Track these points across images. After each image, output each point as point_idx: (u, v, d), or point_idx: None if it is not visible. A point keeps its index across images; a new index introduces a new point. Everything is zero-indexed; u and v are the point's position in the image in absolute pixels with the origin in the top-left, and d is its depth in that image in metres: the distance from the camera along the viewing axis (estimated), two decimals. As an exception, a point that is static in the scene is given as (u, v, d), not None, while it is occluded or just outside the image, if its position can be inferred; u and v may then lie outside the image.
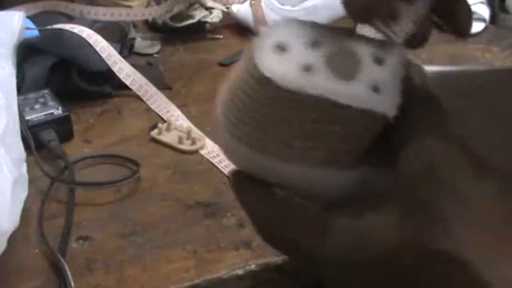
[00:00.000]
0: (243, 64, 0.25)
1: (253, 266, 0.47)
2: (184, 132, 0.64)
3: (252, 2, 0.96)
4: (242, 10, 0.97)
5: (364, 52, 0.25)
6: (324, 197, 0.27)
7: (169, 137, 0.63)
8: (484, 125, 0.28)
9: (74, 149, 0.61)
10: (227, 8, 0.98)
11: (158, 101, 0.71)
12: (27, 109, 0.62)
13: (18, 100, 0.58)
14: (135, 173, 0.56)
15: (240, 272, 0.47)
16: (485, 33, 0.99)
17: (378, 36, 0.26)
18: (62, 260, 0.45)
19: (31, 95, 0.64)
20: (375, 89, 0.24)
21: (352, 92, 0.24)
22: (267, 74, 0.24)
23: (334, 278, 0.27)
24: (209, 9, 0.94)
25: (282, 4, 0.95)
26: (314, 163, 0.25)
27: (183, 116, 0.68)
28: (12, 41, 0.65)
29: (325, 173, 0.26)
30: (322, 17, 0.94)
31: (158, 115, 0.69)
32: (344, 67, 0.24)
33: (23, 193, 0.49)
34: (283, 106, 0.24)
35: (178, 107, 0.70)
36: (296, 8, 0.94)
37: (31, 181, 0.52)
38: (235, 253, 0.48)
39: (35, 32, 0.73)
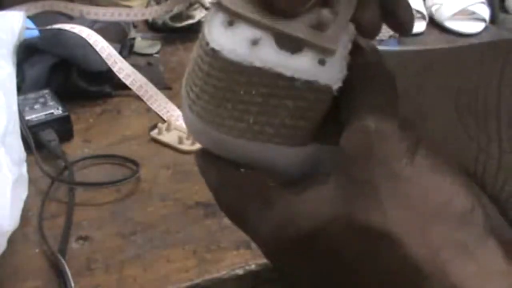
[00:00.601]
0: (198, 40, 0.26)
1: (253, 266, 0.47)
2: (184, 132, 0.64)
3: (252, 2, 0.96)
4: (242, 10, 0.97)
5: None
6: (279, 174, 0.28)
7: (169, 137, 0.63)
8: (435, 101, 0.28)
9: (74, 149, 0.61)
10: None
11: (158, 101, 0.71)
12: (27, 109, 0.62)
13: (18, 100, 0.58)
14: (135, 173, 0.56)
15: (240, 272, 0.47)
16: (485, 33, 0.99)
17: None
18: (62, 260, 0.45)
19: (31, 95, 0.64)
20: (321, 61, 0.25)
21: (297, 64, 0.24)
22: (216, 47, 0.25)
23: (276, 260, 0.28)
24: (209, 9, 0.94)
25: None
26: (266, 139, 0.26)
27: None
28: (12, 41, 0.65)
29: (276, 150, 0.27)
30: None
31: (158, 115, 0.69)
32: (290, 41, 0.25)
33: (23, 193, 0.49)
34: (232, 80, 0.25)
35: (178, 107, 0.70)
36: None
37: (31, 181, 0.52)
38: (235, 253, 0.48)
39: (35, 32, 0.73)
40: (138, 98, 0.72)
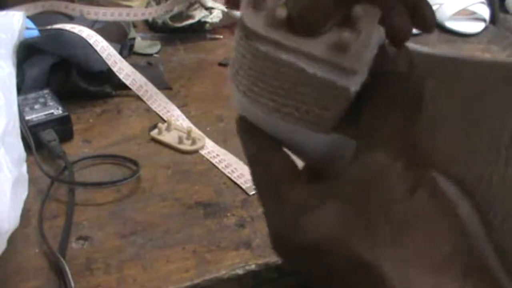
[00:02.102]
0: (238, 24, 0.28)
1: (253, 266, 0.47)
2: (184, 132, 0.64)
3: (252, 2, 0.96)
4: (242, 10, 0.97)
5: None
6: (305, 155, 0.30)
7: (169, 137, 0.63)
8: (454, 116, 0.28)
9: (74, 149, 0.61)
10: (227, 8, 0.98)
11: (158, 101, 0.71)
12: (27, 109, 0.62)
13: (18, 100, 0.58)
14: (135, 173, 0.56)
15: (240, 272, 0.47)
16: (485, 33, 0.99)
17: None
18: (62, 260, 0.45)
19: (31, 95, 0.64)
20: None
21: (318, 60, 0.26)
22: (244, 30, 0.26)
23: (281, 255, 0.29)
24: (209, 9, 0.94)
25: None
26: (293, 121, 0.28)
27: (183, 116, 0.68)
28: (12, 41, 0.65)
29: (302, 133, 0.28)
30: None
31: (158, 115, 0.69)
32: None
33: (23, 193, 0.49)
34: (263, 65, 0.27)
35: (178, 107, 0.70)
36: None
37: (31, 181, 0.52)
38: (235, 253, 0.48)
39: (35, 32, 0.73)
40: (138, 98, 0.72)
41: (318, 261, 0.26)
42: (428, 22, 0.28)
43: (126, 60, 0.73)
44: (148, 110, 0.70)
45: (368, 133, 0.27)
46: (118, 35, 0.79)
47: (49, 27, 0.72)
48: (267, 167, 0.29)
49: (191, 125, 0.66)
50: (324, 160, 0.30)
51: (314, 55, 0.25)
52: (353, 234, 0.25)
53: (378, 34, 0.26)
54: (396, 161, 0.25)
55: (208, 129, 0.66)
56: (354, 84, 0.26)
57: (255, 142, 0.30)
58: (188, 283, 0.45)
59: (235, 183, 0.57)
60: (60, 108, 0.63)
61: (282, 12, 0.25)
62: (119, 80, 0.71)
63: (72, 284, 0.43)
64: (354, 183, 0.26)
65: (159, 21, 0.92)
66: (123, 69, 0.72)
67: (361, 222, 0.25)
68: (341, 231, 0.25)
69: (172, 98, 0.72)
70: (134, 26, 0.89)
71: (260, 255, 0.47)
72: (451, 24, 0.98)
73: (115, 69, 0.71)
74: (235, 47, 0.28)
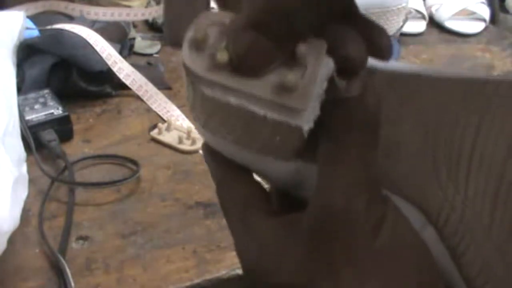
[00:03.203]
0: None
1: (253, 266, 0.47)
2: (184, 132, 0.64)
3: (252, 2, 0.96)
4: (242, 10, 0.97)
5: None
6: (271, 180, 0.30)
7: (169, 137, 0.63)
8: (412, 137, 0.27)
9: (74, 149, 0.61)
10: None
11: (158, 101, 0.71)
12: (27, 109, 0.62)
13: (18, 100, 0.58)
14: (135, 173, 0.56)
15: (240, 272, 0.47)
16: (485, 33, 0.99)
17: None
18: (62, 260, 0.45)
19: (31, 95, 0.64)
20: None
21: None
22: (188, 73, 0.26)
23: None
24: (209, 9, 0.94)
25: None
26: (254, 150, 0.27)
27: (183, 116, 0.68)
28: (12, 41, 0.65)
29: (264, 160, 0.28)
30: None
31: (158, 115, 0.69)
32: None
33: (23, 193, 0.49)
34: (215, 107, 0.26)
35: (178, 107, 0.70)
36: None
37: (31, 181, 0.52)
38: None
39: (35, 32, 0.73)
40: (138, 98, 0.72)
41: None
42: (384, 52, 0.26)
43: (126, 60, 0.73)
44: (148, 110, 0.70)
45: (326, 165, 0.25)
46: (118, 35, 0.79)
47: (49, 27, 0.72)
48: (233, 194, 0.29)
49: (191, 125, 0.66)
50: (290, 185, 0.29)
51: (261, 97, 0.25)
52: (317, 277, 0.25)
53: (326, 67, 0.25)
54: (357, 199, 0.24)
55: (208, 129, 0.66)
56: (306, 122, 0.25)
57: (221, 169, 0.30)
58: (188, 283, 0.45)
59: (235, 183, 0.57)
60: (60, 108, 0.63)
61: (223, 56, 0.25)
62: (119, 80, 0.71)
63: (72, 284, 0.43)
64: (316, 222, 0.25)
65: (159, 21, 0.92)
66: (123, 69, 0.72)
67: (323, 265, 0.24)
68: (305, 272, 0.25)
69: (172, 98, 0.72)
70: (134, 26, 0.89)
71: (260, 255, 0.47)
72: (451, 24, 0.98)
73: (115, 69, 0.71)
74: (186, 86, 0.27)
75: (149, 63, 0.83)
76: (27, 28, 0.71)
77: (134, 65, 0.74)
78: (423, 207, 0.26)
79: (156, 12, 0.86)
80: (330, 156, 0.25)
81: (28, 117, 0.61)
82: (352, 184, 0.25)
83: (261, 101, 0.25)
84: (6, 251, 0.43)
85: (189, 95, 0.27)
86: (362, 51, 0.25)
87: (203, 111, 0.27)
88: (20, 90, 0.63)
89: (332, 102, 0.25)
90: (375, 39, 0.26)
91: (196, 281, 0.46)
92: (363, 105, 0.25)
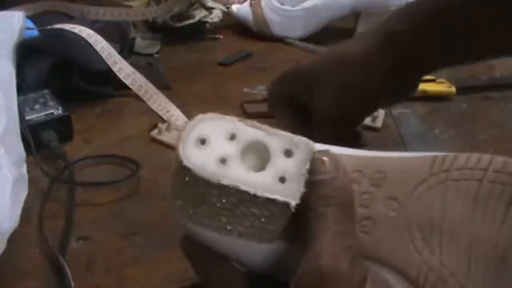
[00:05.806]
0: (174, 153, 0.30)
1: (253, 266, 0.47)
2: (184, 132, 0.64)
3: (252, 2, 0.96)
4: (242, 10, 0.97)
5: (276, 145, 0.29)
6: (250, 264, 0.32)
7: (169, 137, 0.63)
8: (385, 220, 0.30)
9: (74, 149, 0.61)
10: (227, 8, 0.98)
11: (158, 101, 0.71)
12: (27, 109, 0.62)
13: (18, 100, 0.58)
14: (135, 173, 0.56)
15: (240, 272, 0.47)
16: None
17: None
18: (62, 260, 0.45)
19: (31, 95, 0.64)
20: (281, 179, 0.28)
21: (260, 182, 0.28)
22: (188, 165, 0.28)
23: None
24: (209, 9, 0.94)
25: (282, 4, 0.95)
26: (237, 235, 0.30)
27: (183, 116, 0.68)
28: (12, 41, 0.65)
29: (246, 244, 0.30)
30: (322, 17, 0.94)
31: (158, 115, 0.69)
32: (256, 159, 0.29)
33: (23, 193, 0.49)
34: (204, 192, 0.28)
35: (178, 107, 0.70)
36: (296, 8, 0.94)
37: (31, 181, 0.52)
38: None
39: (35, 32, 0.73)
40: (138, 98, 0.72)
41: None
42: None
43: (126, 60, 0.73)
44: (148, 110, 0.70)
45: (310, 241, 0.28)
46: (118, 35, 0.79)
47: (49, 27, 0.72)
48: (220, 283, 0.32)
49: (191, 125, 0.66)
50: (272, 268, 0.32)
51: (250, 192, 0.28)
52: None
53: (311, 146, 0.29)
54: (340, 262, 0.27)
55: (208, 129, 0.66)
56: (294, 198, 0.28)
57: (204, 263, 0.33)
58: (188, 283, 0.45)
59: (235, 183, 0.57)
60: (60, 108, 0.63)
61: None
62: (119, 80, 0.71)
63: (72, 284, 0.43)
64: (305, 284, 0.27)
65: (159, 21, 0.92)
66: (123, 69, 0.72)
67: None
68: None
69: (172, 98, 0.72)
70: (134, 26, 0.89)
71: (260, 255, 0.47)
72: (451, 24, 0.98)
73: (115, 69, 0.71)
74: (172, 167, 0.30)
75: (149, 63, 0.83)
76: (27, 28, 0.71)
77: (134, 65, 0.74)
78: (401, 269, 0.29)
79: (156, 12, 0.86)
80: (313, 228, 0.28)
81: (28, 117, 0.60)
82: (334, 248, 0.27)
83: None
84: (6, 251, 0.43)
85: (175, 187, 0.31)
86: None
87: (192, 199, 0.30)
88: (20, 90, 0.63)
89: (311, 182, 0.29)
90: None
91: (196, 281, 0.45)
92: (338, 183, 0.29)
